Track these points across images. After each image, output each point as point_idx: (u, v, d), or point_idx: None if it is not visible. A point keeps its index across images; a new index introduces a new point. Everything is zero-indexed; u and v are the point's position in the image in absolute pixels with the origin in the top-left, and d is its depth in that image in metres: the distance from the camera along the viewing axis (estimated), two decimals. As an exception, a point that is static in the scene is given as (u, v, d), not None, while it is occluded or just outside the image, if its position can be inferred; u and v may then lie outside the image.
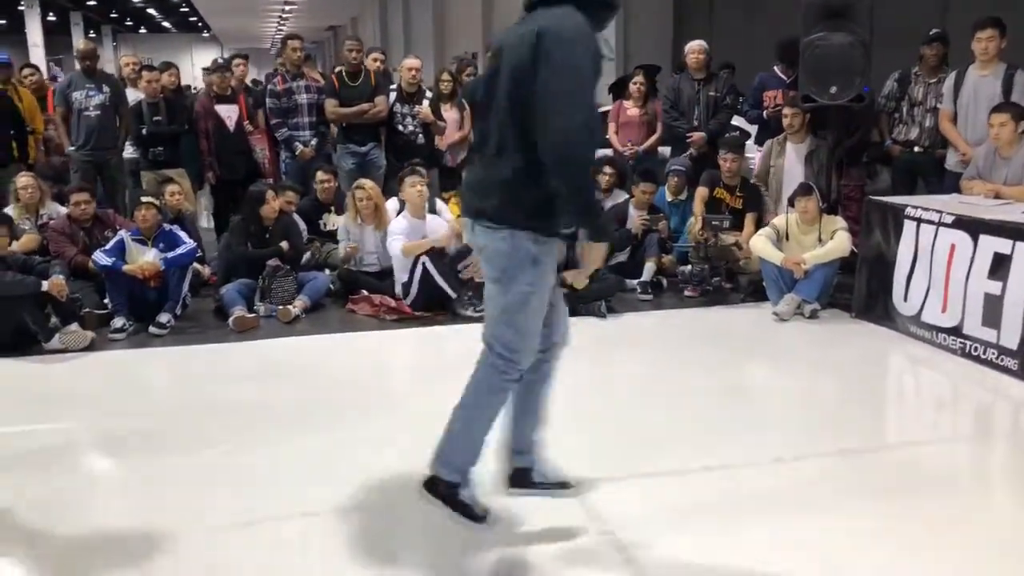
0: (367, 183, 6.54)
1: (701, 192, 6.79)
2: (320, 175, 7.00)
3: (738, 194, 6.73)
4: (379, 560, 2.93)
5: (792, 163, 6.66)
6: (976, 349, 4.85)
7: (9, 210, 6.31)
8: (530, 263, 2.80)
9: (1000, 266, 4.70)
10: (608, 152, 7.69)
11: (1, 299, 5.11)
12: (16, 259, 5.59)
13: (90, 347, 5.29)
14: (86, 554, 2.98)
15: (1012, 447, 4.11)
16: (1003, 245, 4.70)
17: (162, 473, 3.60)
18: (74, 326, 5.33)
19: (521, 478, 3.24)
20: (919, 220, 5.33)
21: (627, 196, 7.07)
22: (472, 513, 2.99)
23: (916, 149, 6.64)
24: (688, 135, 7.34)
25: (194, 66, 21.91)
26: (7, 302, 5.12)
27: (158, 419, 4.19)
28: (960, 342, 4.96)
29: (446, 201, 6.80)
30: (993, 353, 4.74)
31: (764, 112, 7.28)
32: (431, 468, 2.99)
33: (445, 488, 2.97)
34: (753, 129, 7.75)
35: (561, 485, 3.29)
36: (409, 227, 6.13)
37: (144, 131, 7.32)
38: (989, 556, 2.90)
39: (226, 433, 3.99)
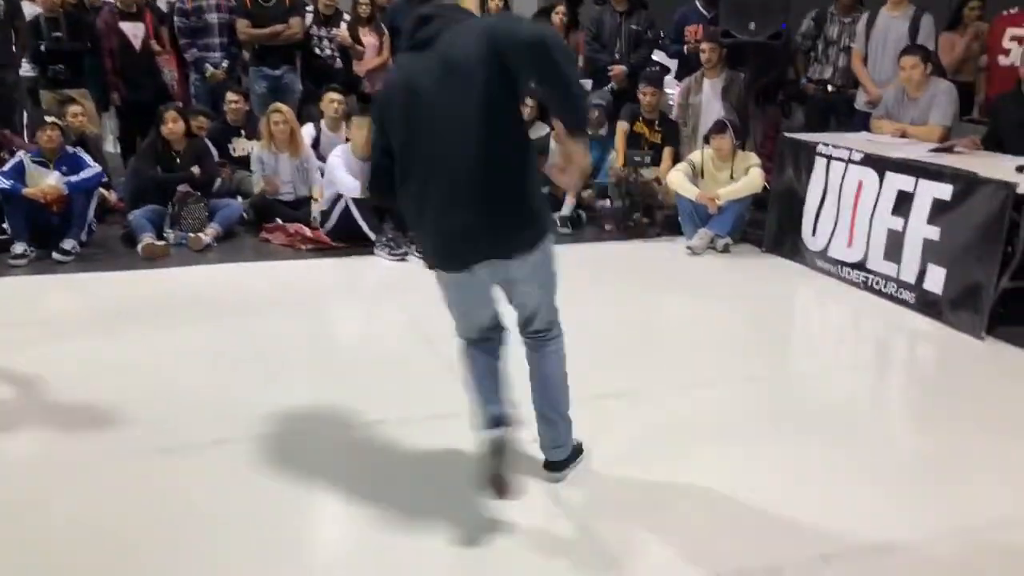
0: (283, 107, 6.36)
1: (622, 127, 6.82)
2: (230, 95, 6.77)
3: (657, 128, 6.78)
4: (291, 481, 2.94)
5: (709, 99, 6.72)
6: (878, 283, 5.05)
7: None
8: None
9: (903, 203, 4.88)
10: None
11: None
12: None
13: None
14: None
15: (907, 376, 4.33)
16: (907, 183, 4.87)
17: (68, 406, 3.50)
18: (-31, 251, 5.10)
19: None
20: (829, 157, 5.47)
21: (548, 129, 7.05)
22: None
23: (829, 88, 6.77)
24: (609, 68, 7.32)
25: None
26: None
27: (61, 349, 4.06)
28: (863, 276, 5.16)
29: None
30: (893, 287, 4.94)
31: (685, 47, 7.30)
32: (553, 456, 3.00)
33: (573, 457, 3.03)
34: (673, 64, 7.78)
35: None
36: (352, 163, 5.92)
37: (43, 48, 6.92)
38: (880, 478, 3.07)
39: (134, 361, 3.91)
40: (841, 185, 5.34)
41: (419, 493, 2.91)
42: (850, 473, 3.09)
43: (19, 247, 5.39)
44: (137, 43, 7.10)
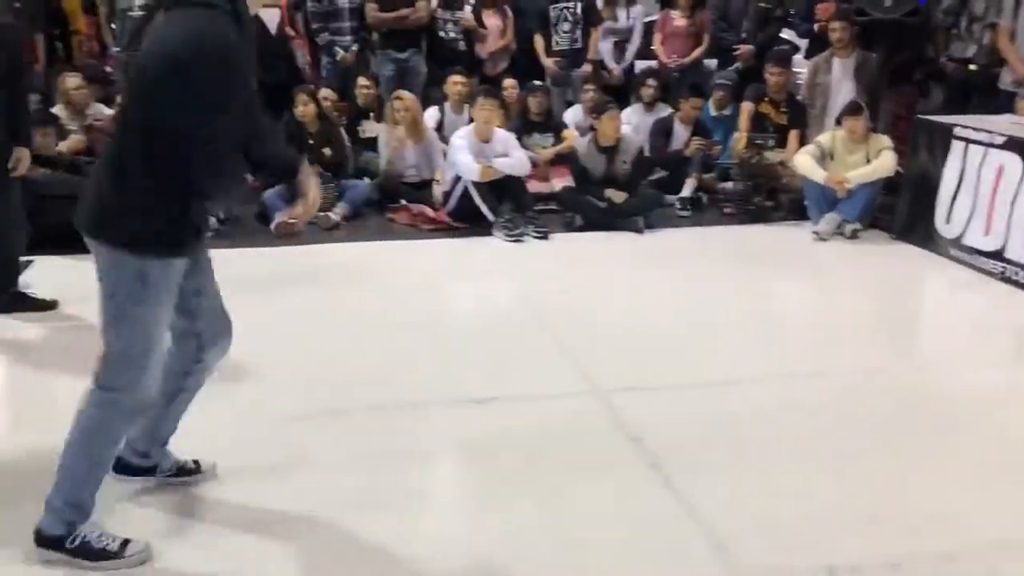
0: (406, 95, 6.51)
1: (747, 107, 6.67)
2: (361, 80, 6.97)
3: (782, 109, 6.60)
4: (395, 463, 3.05)
5: (838, 79, 6.48)
6: (1017, 273, 4.80)
7: (57, 110, 6.39)
8: None
9: (1048, 190, 4.62)
10: (652, 64, 7.55)
11: (51, 198, 5.22)
12: (63, 159, 5.69)
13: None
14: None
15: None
16: (1053, 168, 4.60)
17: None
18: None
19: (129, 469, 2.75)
20: (968, 140, 5.21)
21: (671, 110, 6.98)
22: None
23: (972, 67, 6.42)
24: (735, 48, 7.16)
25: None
26: (58, 201, 5.23)
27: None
28: (1001, 266, 4.91)
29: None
30: (1034, 278, 4.69)
31: (815, 25, 7.05)
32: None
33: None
34: (803, 43, 7.53)
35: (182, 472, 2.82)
36: (474, 145, 6.01)
37: (187, 33, 7.29)
38: (1007, 475, 2.94)
39: (269, 333, 4.11)
40: (980, 170, 5.09)
41: (530, 470, 2.96)
42: (975, 468, 2.98)
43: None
44: (272, 28, 7.39)
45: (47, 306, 4.34)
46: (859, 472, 2.95)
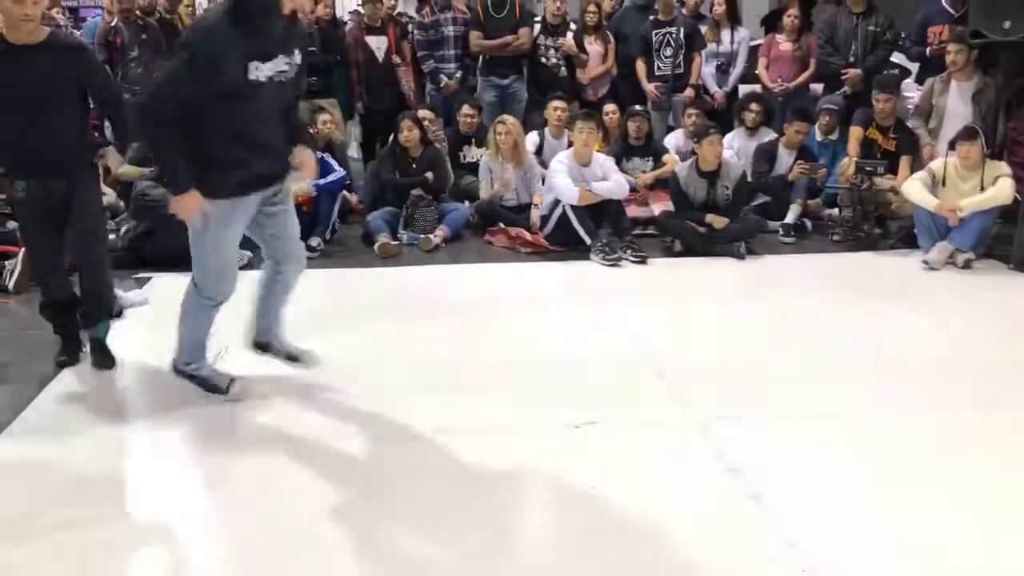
0: (508, 119, 6.60)
1: (856, 132, 6.50)
2: (466, 108, 7.10)
3: (891, 136, 6.40)
4: (508, 483, 3.07)
5: (955, 102, 6.26)
6: None
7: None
8: None
9: None
10: (756, 88, 7.45)
11: (171, 216, 5.46)
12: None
13: (248, 266, 5.61)
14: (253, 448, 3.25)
15: None
16: None
17: (307, 387, 3.85)
18: (233, 246, 5.69)
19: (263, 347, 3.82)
20: (1093, 167, 4.96)
21: (774, 135, 6.87)
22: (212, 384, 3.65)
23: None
24: (843, 72, 7.01)
25: (345, -3, 22.37)
26: (175, 220, 5.47)
27: (312, 340, 4.45)
28: None
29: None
30: None
31: (927, 49, 6.84)
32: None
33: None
34: (914, 67, 7.31)
35: (293, 357, 3.82)
36: (573, 168, 6.06)
37: (299, 62, 7.57)
38: None
39: (369, 350, 4.22)
40: (1106, 199, 4.83)
41: (627, 498, 2.95)
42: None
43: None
44: (380, 55, 7.61)
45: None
46: (972, 518, 2.83)
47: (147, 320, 4.64)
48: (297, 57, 3.30)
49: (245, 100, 3.16)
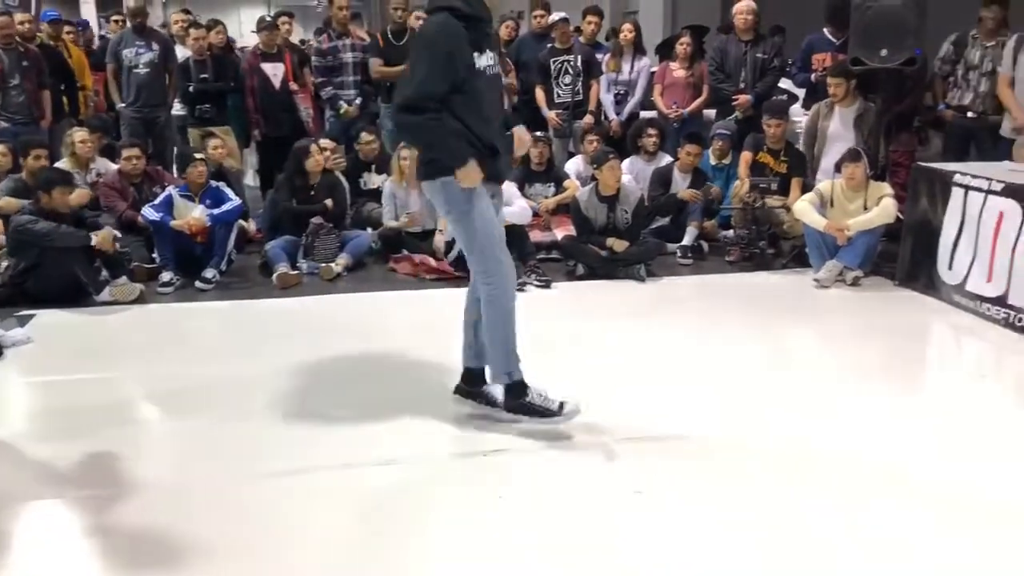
0: (411, 145, 6.56)
1: (745, 156, 6.71)
2: (365, 136, 7.03)
3: (782, 159, 6.63)
4: (409, 513, 3.01)
5: (838, 127, 6.52)
6: (1020, 320, 4.77)
7: (61, 164, 6.46)
8: None
9: (1049, 236, 4.61)
10: (652, 114, 7.63)
11: (54, 251, 5.25)
12: (68, 214, 5.72)
13: (139, 300, 5.44)
14: (134, 502, 3.09)
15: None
16: (1054, 214, 4.61)
17: (207, 424, 3.71)
18: (123, 279, 5.48)
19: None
20: (967, 187, 5.23)
21: (671, 159, 7.03)
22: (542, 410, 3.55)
23: (970, 114, 6.48)
24: (734, 98, 7.23)
25: (242, 24, 22.01)
26: (60, 254, 5.26)
27: (203, 372, 4.30)
28: (1004, 312, 4.89)
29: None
30: (1038, 324, 4.67)
31: (813, 75, 7.13)
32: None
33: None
34: (801, 92, 7.61)
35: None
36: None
37: (191, 88, 7.40)
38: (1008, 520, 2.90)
39: (269, 386, 4.10)
40: (980, 216, 5.09)
41: (538, 525, 2.92)
42: (986, 521, 2.93)
43: (166, 275, 5.74)
44: (276, 82, 7.49)
45: None
46: (876, 522, 2.90)
47: (30, 359, 4.40)
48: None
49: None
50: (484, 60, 3.30)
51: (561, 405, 3.52)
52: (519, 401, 3.55)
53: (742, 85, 7.23)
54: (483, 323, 3.53)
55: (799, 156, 6.67)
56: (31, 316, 5.04)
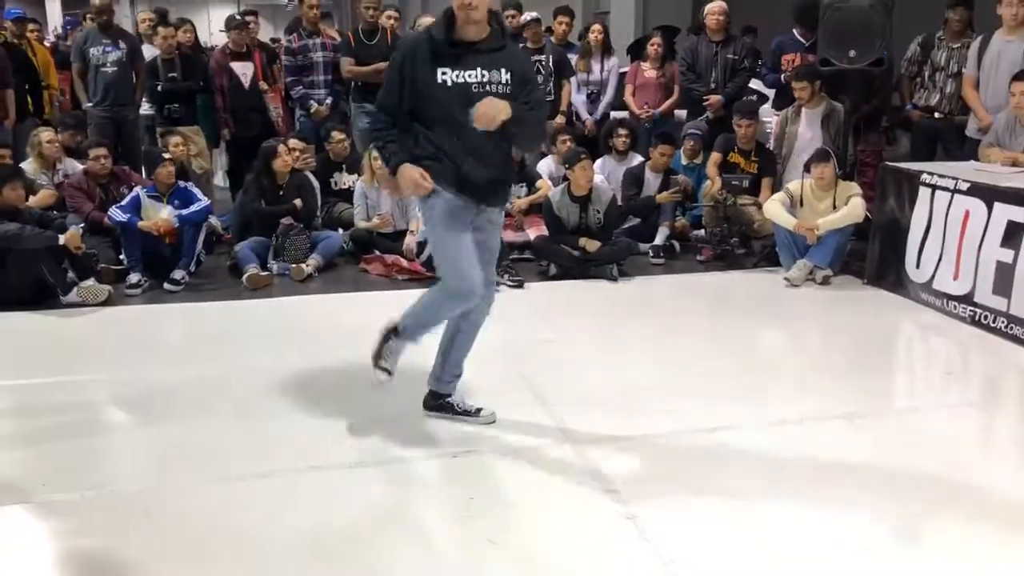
0: (383, 145, 6.52)
1: (715, 156, 6.75)
2: (336, 134, 6.98)
3: (753, 159, 6.67)
4: (384, 514, 2.99)
5: (804, 129, 6.59)
6: (986, 317, 4.84)
7: (26, 164, 6.36)
8: None
9: (1014, 234, 4.67)
10: (624, 114, 7.65)
11: (20, 252, 5.17)
12: (33, 214, 5.63)
13: (106, 301, 5.36)
14: (98, 506, 3.05)
15: (1018, 414, 4.12)
16: (1018, 213, 4.66)
17: (173, 428, 3.67)
18: (91, 281, 5.40)
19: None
20: (934, 187, 5.28)
21: (642, 159, 7.05)
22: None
23: (936, 115, 6.55)
24: (705, 98, 7.27)
25: (211, 22, 21.84)
26: (25, 256, 5.18)
27: (170, 375, 4.25)
28: (971, 310, 4.95)
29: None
30: (1003, 322, 4.72)
31: (782, 76, 7.18)
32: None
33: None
34: (771, 93, 7.67)
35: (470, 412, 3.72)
36: None
37: (159, 88, 7.31)
38: (988, 521, 2.93)
39: (238, 389, 4.06)
40: (947, 215, 5.15)
41: (506, 525, 2.91)
42: (956, 519, 2.96)
43: (134, 277, 5.67)
44: (246, 81, 7.43)
45: None
46: (842, 520, 2.92)
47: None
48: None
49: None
50: (453, 76, 3.33)
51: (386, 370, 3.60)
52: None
53: (713, 86, 7.27)
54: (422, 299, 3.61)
55: (770, 156, 6.72)
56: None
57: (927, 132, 6.69)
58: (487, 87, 3.34)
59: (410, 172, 3.33)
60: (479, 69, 3.35)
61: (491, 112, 3.22)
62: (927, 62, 6.60)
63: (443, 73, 3.32)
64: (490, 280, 3.59)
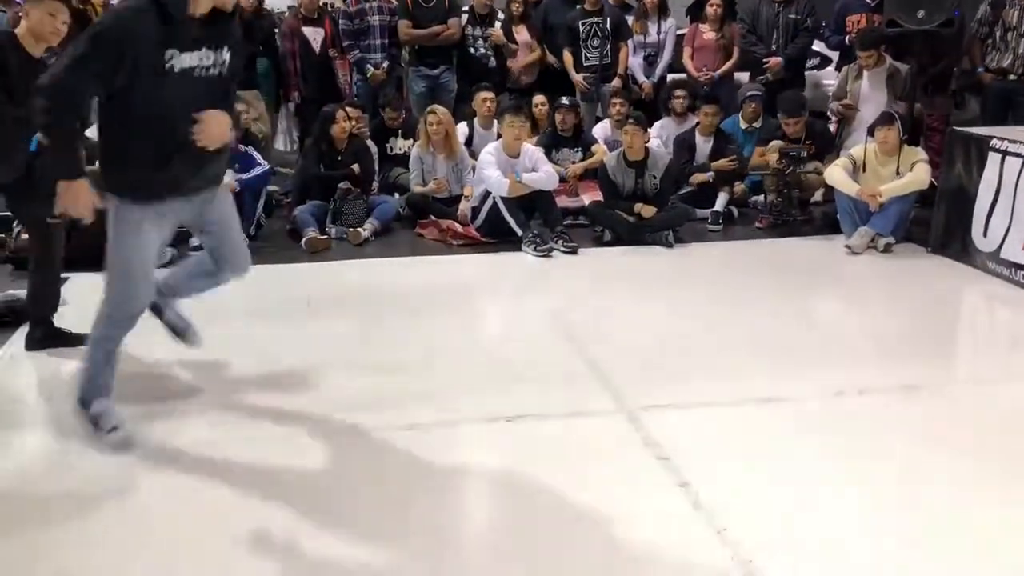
0: (439, 109, 6.54)
1: (759, 150, 6.59)
2: (390, 112, 6.99)
3: (806, 143, 6.51)
4: (431, 476, 3.05)
5: (866, 88, 6.42)
6: (1056, 288, 4.71)
7: (92, 131, 6.49)
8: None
9: (1087, 202, 4.52)
10: (682, 76, 7.53)
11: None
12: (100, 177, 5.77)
13: (170, 263, 5.47)
14: (162, 459, 3.16)
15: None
16: (1092, 181, 4.51)
17: (235, 386, 3.77)
18: (156, 243, 5.52)
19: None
20: (1004, 152, 5.13)
21: (696, 122, 6.93)
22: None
23: (1011, 77, 6.32)
24: (765, 60, 7.12)
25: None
26: (96, 219, 5.30)
27: (229, 334, 4.35)
28: (1040, 280, 4.82)
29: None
30: (1074, 292, 4.60)
31: (847, 38, 6.99)
32: None
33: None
34: (835, 55, 7.48)
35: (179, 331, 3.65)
36: (502, 160, 6.03)
37: (220, 52, 7.37)
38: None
39: (296, 349, 4.14)
40: (1017, 182, 5.00)
41: (559, 490, 2.94)
42: (1014, 494, 2.91)
43: (196, 240, 5.78)
44: (316, 46, 7.47)
45: (81, 341, 4.23)
46: (898, 492, 2.90)
47: (66, 322, 4.46)
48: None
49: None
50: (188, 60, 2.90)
51: (113, 429, 3.20)
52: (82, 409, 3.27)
53: (774, 47, 7.11)
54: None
55: (823, 133, 6.57)
56: (65, 279, 5.10)
57: (1000, 95, 6.47)
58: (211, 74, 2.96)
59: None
60: (205, 51, 2.93)
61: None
62: (999, 22, 6.37)
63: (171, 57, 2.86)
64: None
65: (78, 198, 2.91)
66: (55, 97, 2.80)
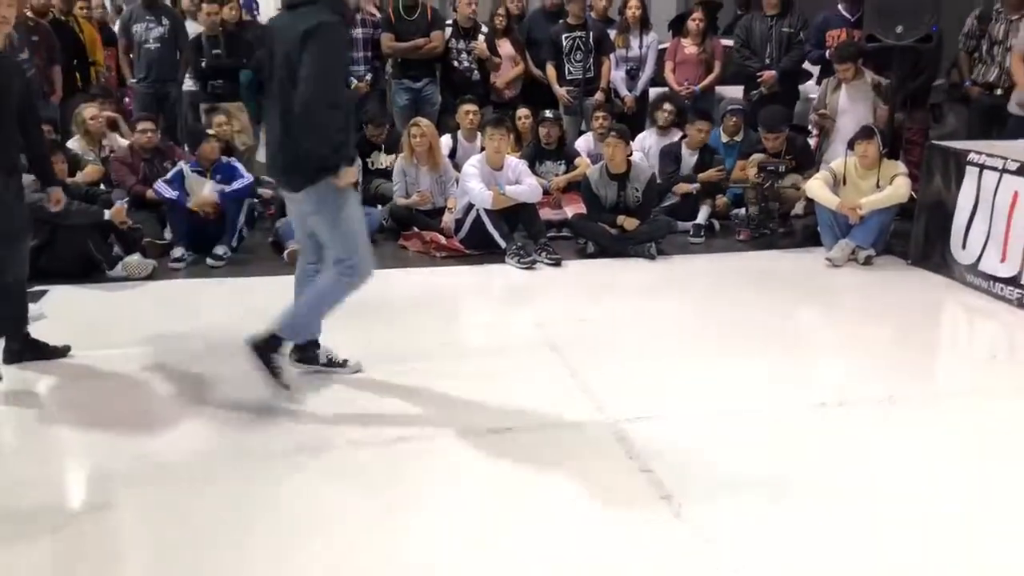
0: (423, 121, 6.55)
1: (741, 164, 6.63)
2: (372, 128, 6.97)
3: (786, 157, 6.55)
4: (419, 490, 3.03)
5: (844, 101, 6.48)
6: (1034, 300, 4.75)
7: (73, 142, 6.46)
8: None
9: (1064, 216, 4.57)
10: (664, 90, 7.57)
11: (67, 228, 5.26)
12: (79, 189, 5.74)
13: (151, 276, 5.46)
14: (140, 474, 3.13)
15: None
16: (1069, 194, 4.57)
17: (213, 399, 3.74)
18: (136, 255, 5.49)
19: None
20: (982, 166, 5.18)
21: (682, 135, 6.97)
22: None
23: (997, 92, 6.38)
24: (759, 74, 7.16)
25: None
26: (72, 231, 5.28)
27: (213, 347, 4.32)
28: (1018, 292, 4.86)
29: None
30: (1052, 305, 4.64)
31: (827, 52, 7.05)
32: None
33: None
34: (815, 70, 7.53)
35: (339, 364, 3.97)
36: (486, 173, 6.04)
37: (203, 64, 7.37)
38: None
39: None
40: (995, 196, 5.05)
41: (543, 502, 2.94)
42: (996, 507, 2.93)
43: (178, 252, 5.76)
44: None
45: (58, 353, 4.14)
46: (880, 504, 2.91)
47: (44, 335, 4.42)
48: None
49: None
50: None
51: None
52: (268, 354, 3.65)
53: (768, 61, 7.14)
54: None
55: (803, 148, 6.62)
56: (44, 292, 5.06)
57: (986, 109, 6.52)
58: None
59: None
60: None
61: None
62: (985, 36, 6.43)
63: None
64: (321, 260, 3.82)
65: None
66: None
